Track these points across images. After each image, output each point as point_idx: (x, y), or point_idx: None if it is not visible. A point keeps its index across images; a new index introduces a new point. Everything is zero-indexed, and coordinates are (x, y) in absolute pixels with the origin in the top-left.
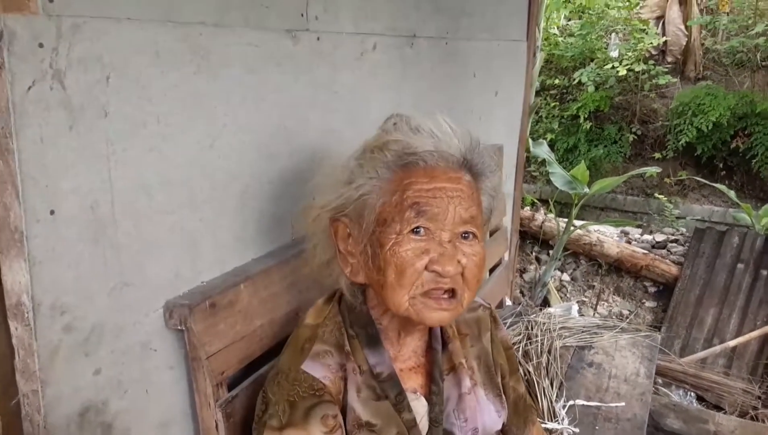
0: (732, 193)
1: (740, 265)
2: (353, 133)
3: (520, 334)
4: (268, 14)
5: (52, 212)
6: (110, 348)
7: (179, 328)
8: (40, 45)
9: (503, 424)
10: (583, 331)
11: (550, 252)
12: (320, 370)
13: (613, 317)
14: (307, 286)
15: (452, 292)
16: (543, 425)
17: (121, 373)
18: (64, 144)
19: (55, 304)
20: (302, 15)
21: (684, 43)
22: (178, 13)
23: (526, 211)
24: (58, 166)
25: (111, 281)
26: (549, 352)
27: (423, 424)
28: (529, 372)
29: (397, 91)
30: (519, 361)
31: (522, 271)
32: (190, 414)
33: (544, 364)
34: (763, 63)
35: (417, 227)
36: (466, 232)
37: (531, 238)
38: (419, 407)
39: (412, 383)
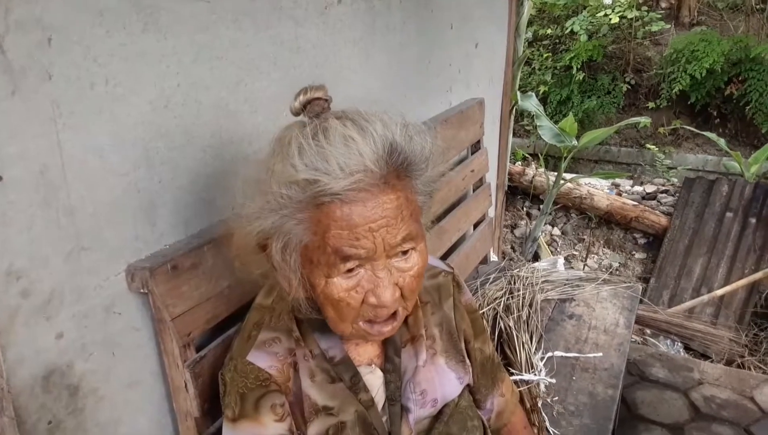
0: (722, 142)
1: (729, 214)
2: None
3: (502, 289)
4: None
5: (0, 178)
6: (71, 311)
7: (142, 291)
8: None
9: (471, 385)
10: (565, 284)
11: (541, 207)
12: (265, 359)
13: (603, 270)
14: None
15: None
16: (520, 377)
17: (84, 337)
18: (7, 109)
19: (10, 269)
20: None
21: None
22: None
23: (517, 166)
24: (2, 131)
25: (67, 245)
26: (530, 305)
27: (379, 396)
28: (509, 326)
29: (366, 46)
30: (500, 316)
31: (513, 227)
32: (160, 374)
33: (525, 318)
34: (758, 6)
35: (346, 269)
36: (403, 251)
37: (522, 193)
38: (374, 380)
39: (368, 355)
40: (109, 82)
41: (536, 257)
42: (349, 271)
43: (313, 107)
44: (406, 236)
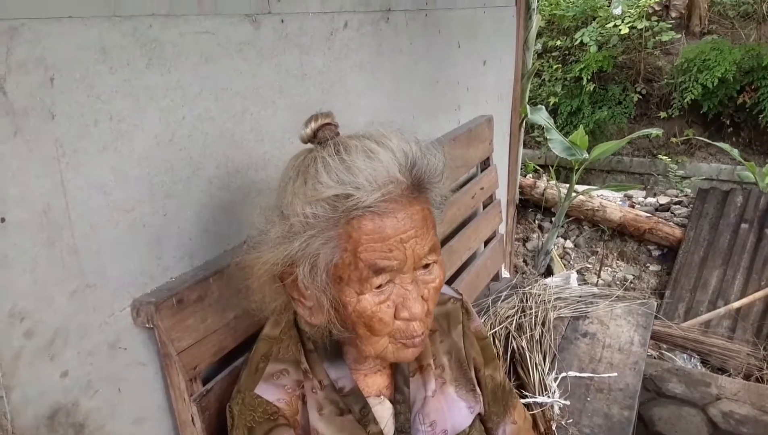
0: (735, 152)
1: (744, 225)
2: None
3: (514, 307)
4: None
5: (2, 220)
6: (76, 350)
7: (147, 326)
8: None
9: (482, 414)
10: (578, 301)
11: (553, 219)
12: (274, 392)
13: (617, 283)
14: None
15: None
16: (533, 399)
17: (90, 374)
18: (9, 150)
19: (13, 311)
20: None
21: None
22: (124, 6)
23: (528, 179)
24: (4, 172)
25: (71, 284)
26: (543, 324)
27: (388, 428)
28: (521, 347)
29: (373, 69)
30: (512, 335)
31: (525, 240)
32: (166, 408)
33: (537, 337)
34: None
35: (378, 284)
36: (426, 264)
37: (533, 205)
38: (384, 411)
39: (377, 386)
40: (113, 119)
41: (549, 270)
42: (379, 286)
43: (324, 133)
44: (432, 247)
